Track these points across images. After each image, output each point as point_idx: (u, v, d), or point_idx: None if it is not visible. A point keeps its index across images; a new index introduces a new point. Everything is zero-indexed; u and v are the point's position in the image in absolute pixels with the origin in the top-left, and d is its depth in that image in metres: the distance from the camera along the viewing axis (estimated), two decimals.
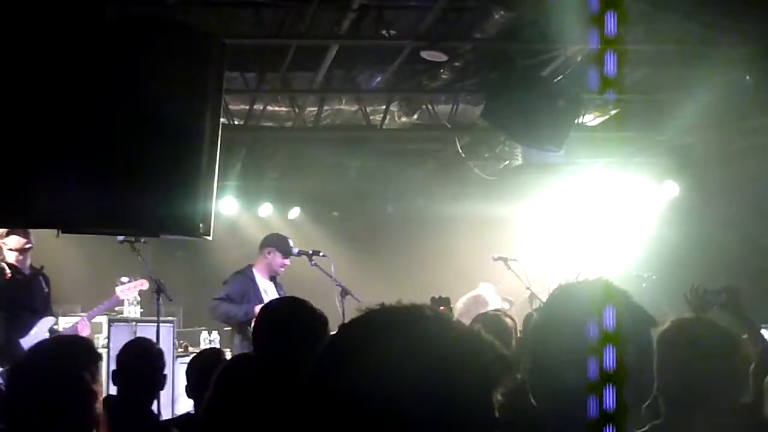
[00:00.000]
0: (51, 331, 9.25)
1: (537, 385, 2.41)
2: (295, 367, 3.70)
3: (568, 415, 2.24)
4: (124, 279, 9.96)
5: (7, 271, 8.99)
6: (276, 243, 10.05)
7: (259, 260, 10.03)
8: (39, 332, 9.13)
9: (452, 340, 1.77)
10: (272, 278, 9.97)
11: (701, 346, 3.73)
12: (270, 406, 3.63)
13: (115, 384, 5.77)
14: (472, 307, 9.66)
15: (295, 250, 10.01)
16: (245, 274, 9.92)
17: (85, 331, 9.55)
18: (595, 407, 1.97)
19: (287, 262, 10.02)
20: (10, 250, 9.04)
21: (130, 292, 10.35)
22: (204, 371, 5.53)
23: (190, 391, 5.94)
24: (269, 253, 9.96)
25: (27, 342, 8.99)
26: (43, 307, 9.30)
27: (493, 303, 9.41)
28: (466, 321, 9.26)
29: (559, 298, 2.47)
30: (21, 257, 9.09)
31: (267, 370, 3.83)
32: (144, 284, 10.39)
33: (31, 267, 9.24)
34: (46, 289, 9.38)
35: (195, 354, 7.75)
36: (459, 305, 9.83)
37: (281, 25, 9.18)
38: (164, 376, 5.83)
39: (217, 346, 11.83)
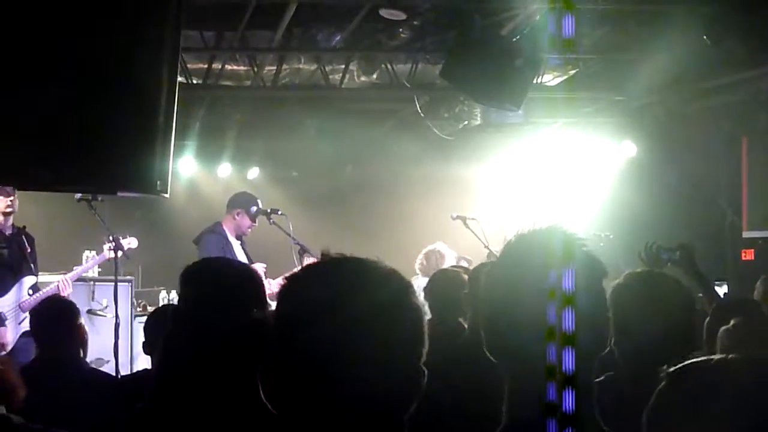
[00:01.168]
0: (33, 288, 9.24)
1: (491, 336, 2.41)
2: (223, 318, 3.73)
3: (523, 364, 2.26)
4: (113, 236, 9.85)
5: None
6: (244, 204, 9.98)
7: (227, 219, 9.96)
8: (18, 291, 9.14)
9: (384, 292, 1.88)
10: (239, 237, 9.92)
11: (656, 299, 3.76)
12: (207, 361, 3.64)
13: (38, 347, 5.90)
14: (431, 258, 9.76)
15: (253, 209, 9.98)
16: (218, 233, 9.84)
17: (66, 290, 9.54)
18: (551, 355, 1.98)
19: (255, 224, 9.99)
20: None
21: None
22: (159, 327, 5.62)
23: (147, 347, 5.97)
24: (238, 214, 9.91)
25: (2, 302, 8.98)
26: (25, 267, 9.28)
27: (449, 256, 9.50)
28: (427, 273, 9.41)
29: (515, 246, 2.48)
30: (2, 217, 9.08)
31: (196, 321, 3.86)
32: (133, 242, 10.34)
33: (13, 226, 9.22)
34: (29, 249, 9.35)
35: (152, 310, 7.77)
36: (418, 260, 9.90)
37: None
38: (79, 326, 5.92)
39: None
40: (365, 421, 1.81)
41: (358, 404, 1.80)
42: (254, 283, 4.08)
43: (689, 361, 2.57)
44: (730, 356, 2.53)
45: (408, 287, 1.96)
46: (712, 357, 2.59)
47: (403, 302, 1.92)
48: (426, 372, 1.92)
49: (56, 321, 5.92)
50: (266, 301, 4.03)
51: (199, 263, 4.39)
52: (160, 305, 8.85)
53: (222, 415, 3.43)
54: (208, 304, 3.90)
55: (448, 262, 9.23)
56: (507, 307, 2.34)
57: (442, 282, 6.58)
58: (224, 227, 9.90)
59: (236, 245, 9.82)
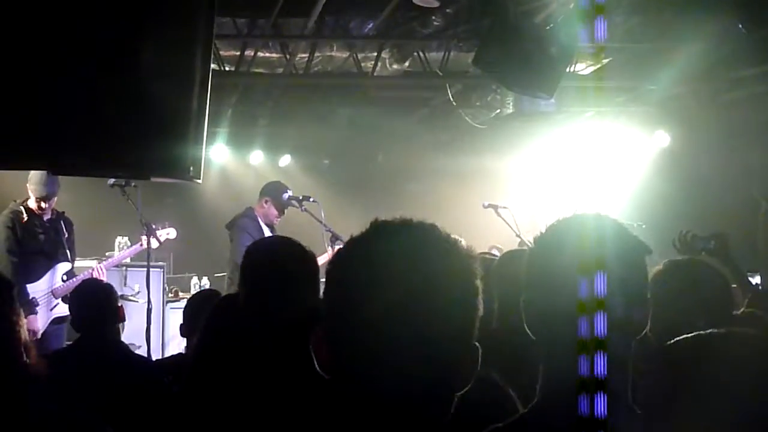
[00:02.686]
0: (68, 274, 9.29)
1: (531, 313, 2.42)
2: (282, 306, 3.72)
3: (562, 341, 2.26)
4: (152, 226, 9.87)
5: (24, 215, 9.05)
6: (272, 194, 10.03)
7: (258, 207, 10.03)
8: (52, 277, 9.19)
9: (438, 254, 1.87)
10: (269, 225, 9.96)
11: (696, 286, 3.73)
12: (256, 346, 3.65)
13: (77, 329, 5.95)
14: None
15: (285, 197, 9.99)
16: (250, 217, 9.89)
17: (100, 278, 9.59)
18: (586, 331, 1.98)
19: (282, 214, 10.05)
20: (34, 194, 9.11)
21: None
22: (199, 311, 5.67)
23: (184, 330, 6.01)
24: (266, 202, 9.97)
25: (35, 287, 9.04)
26: (61, 253, 9.34)
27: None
28: None
29: (554, 228, 2.48)
30: (44, 203, 9.14)
31: (254, 309, 3.85)
32: (172, 233, 10.38)
33: (53, 211, 9.29)
34: (66, 234, 9.41)
35: (193, 294, 7.79)
36: None
37: None
38: (119, 308, 5.98)
39: None
40: (415, 394, 1.80)
41: (408, 377, 1.78)
42: (310, 268, 4.02)
43: (676, 339, 2.58)
44: (710, 331, 2.54)
45: (471, 260, 1.92)
46: (700, 333, 2.60)
47: (463, 276, 1.89)
48: (480, 350, 1.89)
49: (97, 303, 5.97)
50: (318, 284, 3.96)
51: (256, 251, 4.31)
52: (202, 289, 8.84)
53: (258, 399, 3.45)
54: (268, 292, 3.87)
55: None
56: (549, 288, 2.34)
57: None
58: (256, 212, 9.96)
59: (267, 232, 9.85)
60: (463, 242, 1.87)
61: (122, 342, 6.08)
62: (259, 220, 9.89)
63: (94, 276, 9.43)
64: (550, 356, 2.37)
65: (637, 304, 2.38)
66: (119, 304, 6.08)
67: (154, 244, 9.69)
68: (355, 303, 1.80)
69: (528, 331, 2.43)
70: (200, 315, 5.28)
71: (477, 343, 1.88)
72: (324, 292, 1.90)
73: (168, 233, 10.24)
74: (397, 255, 1.84)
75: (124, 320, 6.05)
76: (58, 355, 5.93)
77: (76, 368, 5.26)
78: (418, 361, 1.77)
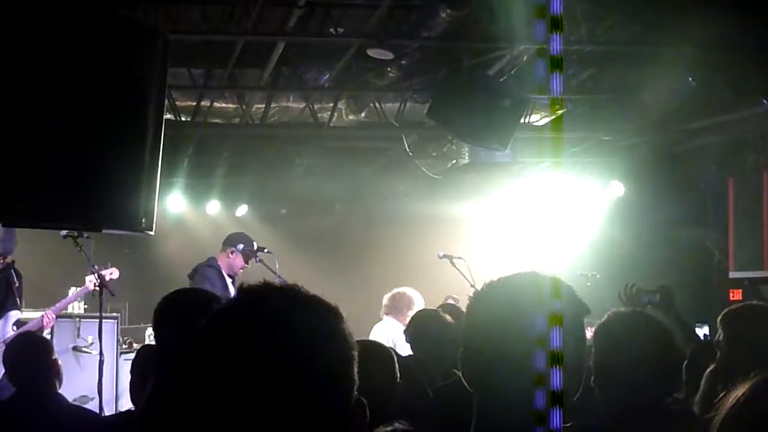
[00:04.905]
0: (18, 323, 9.23)
1: (469, 365, 2.43)
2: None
3: (501, 391, 2.28)
4: (95, 267, 9.84)
5: None
6: (239, 244, 10.04)
7: (222, 256, 10.03)
8: (4, 326, 9.13)
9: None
10: (231, 276, 9.95)
11: (636, 338, 3.77)
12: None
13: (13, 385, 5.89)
14: (397, 299, 9.78)
15: (240, 247, 10.00)
16: (213, 266, 9.89)
17: (50, 324, 9.56)
18: (541, 399, 2.02)
19: (247, 265, 10.03)
20: None
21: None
22: (146, 368, 5.61)
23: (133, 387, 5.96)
24: (232, 252, 9.98)
25: None
26: (11, 302, 9.29)
27: (418, 300, 9.54)
28: (391, 314, 9.49)
29: (492, 291, 2.49)
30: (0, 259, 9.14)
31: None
32: (114, 273, 10.28)
33: (2, 262, 9.24)
34: (17, 284, 9.37)
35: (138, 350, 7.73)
36: (384, 301, 9.94)
37: (228, 22, 9.18)
38: (53, 361, 5.91)
39: None
40: None
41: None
42: None
43: None
44: None
45: (335, 314, 1.90)
46: None
47: (337, 333, 1.87)
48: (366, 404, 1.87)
49: (30, 355, 5.91)
50: None
51: (181, 295, 4.32)
52: (146, 343, 8.80)
53: None
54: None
55: (417, 307, 9.24)
56: (490, 344, 2.35)
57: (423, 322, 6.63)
58: (219, 262, 9.93)
59: (228, 282, 9.84)
60: (410, 291, 1.87)
61: (60, 395, 5.99)
62: (222, 269, 9.86)
63: (45, 322, 9.41)
64: (487, 403, 2.37)
65: (574, 364, 2.39)
66: (54, 357, 6.01)
67: (101, 283, 9.67)
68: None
69: (465, 383, 2.43)
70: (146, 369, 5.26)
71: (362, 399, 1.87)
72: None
73: (111, 272, 10.20)
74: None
75: (60, 374, 5.97)
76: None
77: (13, 425, 5.20)
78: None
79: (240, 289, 1.88)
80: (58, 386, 5.91)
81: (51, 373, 5.88)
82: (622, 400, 3.68)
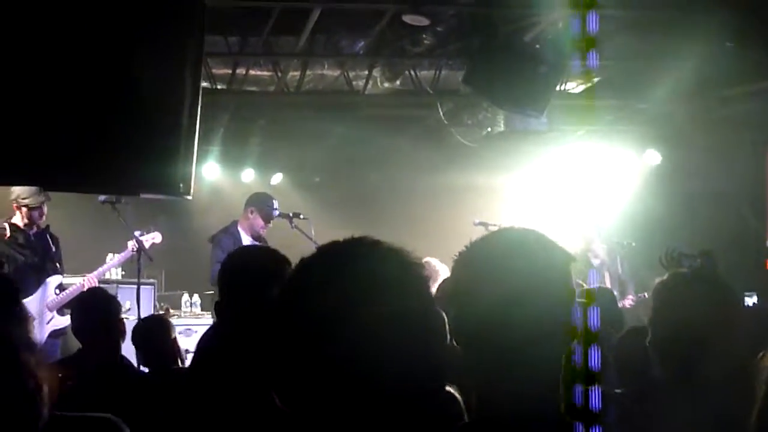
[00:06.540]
0: (60, 287, 9.31)
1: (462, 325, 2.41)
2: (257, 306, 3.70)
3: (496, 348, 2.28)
4: (137, 232, 9.87)
5: (7, 231, 9.08)
6: (257, 204, 10.01)
7: (243, 218, 10.03)
8: (44, 291, 9.21)
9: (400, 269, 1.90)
10: (255, 238, 9.87)
11: (701, 301, 3.67)
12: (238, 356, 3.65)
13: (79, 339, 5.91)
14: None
15: (276, 213, 10.01)
16: (230, 233, 9.85)
17: None
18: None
19: (269, 224, 10.01)
20: (18, 208, 9.16)
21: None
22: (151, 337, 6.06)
23: (141, 359, 6.08)
24: (251, 212, 9.95)
25: (27, 302, 9.03)
26: (50, 267, 9.36)
27: (443, 270, 9.52)
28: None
29: (484, 241, 2.49)
30: (29, 218, 9.24)
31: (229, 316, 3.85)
32: (157, 237, 10.29)
33: (37, 227, 9.31)
34: (54, 248, 9.44)
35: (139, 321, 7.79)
36: None
37: None
38: (119, 320, 5.96)
39: (199, 309, 11.89)
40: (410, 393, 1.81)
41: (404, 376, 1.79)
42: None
43: None
44: None
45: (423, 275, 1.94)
46: None
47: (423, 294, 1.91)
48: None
49: (101, 312, 5.91)
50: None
51: (229, 259, 4.28)
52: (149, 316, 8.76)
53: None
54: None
55: (443, 276, 9.21)
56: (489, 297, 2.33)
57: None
58: (239, 227, 9.95)
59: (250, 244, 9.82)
60: (434, 261, 1.90)
61: (124, 356, 6.03)
62: (242, 233, 9.86)
63: (85, 287, 9.45)
64: (484, 367, 2.33)
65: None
66: (121, 317, 6.06)
67: (140, 248, 9.70)
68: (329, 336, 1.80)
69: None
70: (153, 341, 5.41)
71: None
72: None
73: (153, 237, 10.19)
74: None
75: (124, 334, 6.00)
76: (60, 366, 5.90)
77: (79, 379, 5.22)
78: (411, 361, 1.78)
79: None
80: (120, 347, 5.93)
81: (117, 331, 5.87)
82: (680, 360, 3.59)
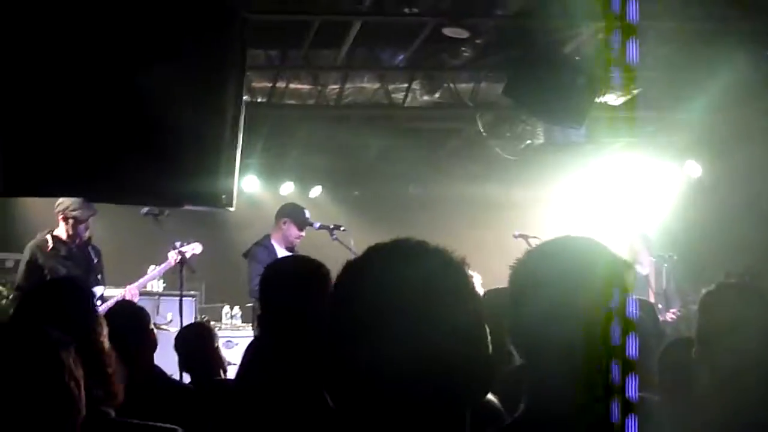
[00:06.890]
0: (102, 299, 9.37)
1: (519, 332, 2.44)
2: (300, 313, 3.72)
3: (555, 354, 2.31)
4: (177, 243, 9.93)
5: (49, 244, 9.15)
6: (290, 214, 9.97)
7: (275, 230, 9.98)
8: None
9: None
10: (289, 249, 9.81)
11: (747, 313, 3.64)
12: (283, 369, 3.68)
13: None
14: None
15: (317, 225, 10.02)
16: (264, 246, 9.81)
17: (134, 300, 9.67)
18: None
19: (303, 233, 9.95)
20: (64, 220, 9.22)
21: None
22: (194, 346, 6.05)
23: (183, 365, 6.10)
24: (284, 223, 9.90)
25: None
26: (92, 278, 9.43)
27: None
28: None
29: (535, 256, 2.51)
30: (72, 230, 9.30)
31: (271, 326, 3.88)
32: (197, 248, 10.35)
33: (80, 239, 9.37)
34: (95, 260, 9.51)
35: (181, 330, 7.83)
36: None
37: (304, 2, 9.22)
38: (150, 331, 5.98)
39: (239, 321, 11.94)
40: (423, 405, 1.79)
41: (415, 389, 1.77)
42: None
43: None
44: None
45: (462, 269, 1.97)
46: None
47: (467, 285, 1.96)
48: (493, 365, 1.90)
49: (129, 325, 5.95)
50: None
51: (269, 269, 4.31)
52: (190, 324, 8.80)
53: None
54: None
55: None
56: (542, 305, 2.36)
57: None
58: (272, 240, 9.90)
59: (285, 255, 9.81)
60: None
61: (157, 366, 6.07)
62: (276, 246, 9.80)
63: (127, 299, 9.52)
64: (538, 367, 2.37)
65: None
66: (151, 328, 6.09)
67: (182, 260, 9.74)
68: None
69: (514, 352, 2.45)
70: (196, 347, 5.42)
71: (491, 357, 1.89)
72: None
73: (193, 248, 10.23)
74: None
75: (156, 345, 6.04)
76: None
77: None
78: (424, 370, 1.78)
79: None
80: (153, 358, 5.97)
81: (148, 342, 5.92)
82: (728, 372, 3.56)
